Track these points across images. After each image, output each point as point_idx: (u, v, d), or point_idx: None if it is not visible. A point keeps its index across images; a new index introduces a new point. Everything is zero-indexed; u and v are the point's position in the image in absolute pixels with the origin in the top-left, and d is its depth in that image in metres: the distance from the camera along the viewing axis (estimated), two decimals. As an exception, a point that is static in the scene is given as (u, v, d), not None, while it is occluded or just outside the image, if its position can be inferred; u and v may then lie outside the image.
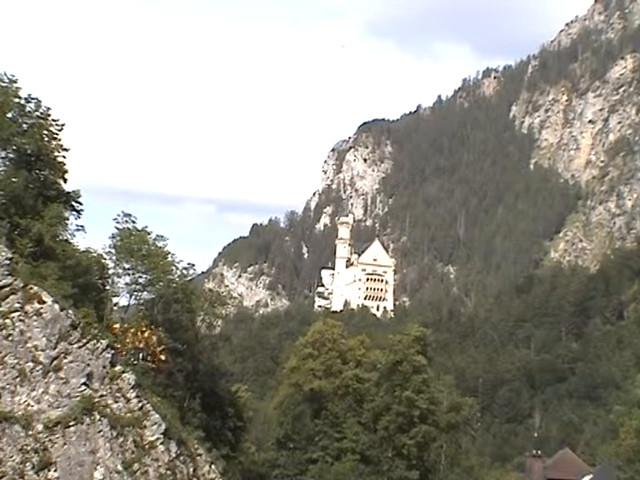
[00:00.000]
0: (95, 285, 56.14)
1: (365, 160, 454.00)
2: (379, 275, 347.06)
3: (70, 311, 44.34)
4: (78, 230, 55.73)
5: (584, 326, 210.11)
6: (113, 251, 59.27)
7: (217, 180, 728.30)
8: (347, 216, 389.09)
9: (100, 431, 41.69)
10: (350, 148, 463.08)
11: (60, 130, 53.63)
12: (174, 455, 44.49)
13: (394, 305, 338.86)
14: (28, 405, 41.22)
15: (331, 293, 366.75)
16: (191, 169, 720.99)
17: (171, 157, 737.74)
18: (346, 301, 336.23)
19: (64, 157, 54.19)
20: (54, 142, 53.36)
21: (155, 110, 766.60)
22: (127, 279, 60.10)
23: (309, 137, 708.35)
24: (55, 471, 40.34)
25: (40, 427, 40.80)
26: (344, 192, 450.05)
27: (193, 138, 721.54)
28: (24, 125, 52.45)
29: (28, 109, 52.61)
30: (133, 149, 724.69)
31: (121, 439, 42.35)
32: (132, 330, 57.44)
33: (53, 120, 53.38)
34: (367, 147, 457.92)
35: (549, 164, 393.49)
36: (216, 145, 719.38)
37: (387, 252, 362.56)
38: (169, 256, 62.79)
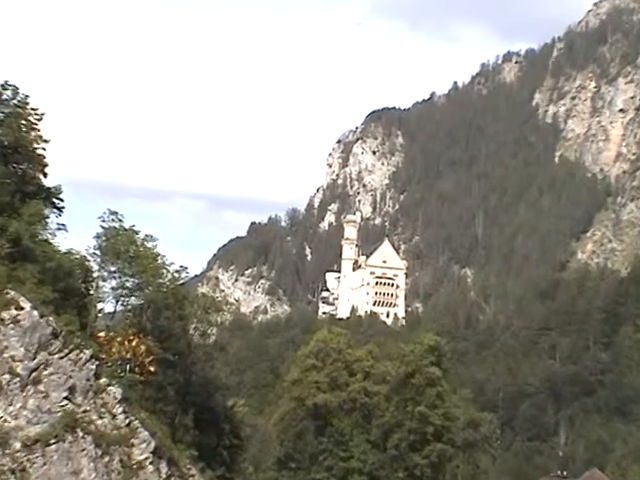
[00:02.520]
0: (78, 290, 56.18)
1: (374, 153, 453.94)
2: (389, 279, 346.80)
3: (51, 318, 44.37)
4: (59, 229, 55.90)
5: (614, 334, 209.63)
6: (98, 252, 59.33)
7: (210, 174, 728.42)
8: (354, 214, 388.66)
9: (83, 449, 41.70)
10: (357, 139, 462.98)
11: (39, 120, 53.68)
12: (164, 476, 44.56)
13: (406, 311, 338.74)
14: (5, 421, 41.23)
15: (336, 298, 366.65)
16: (181, 161, 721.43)
17: (158, 148, 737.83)
18: (353, 307, 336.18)
19: (44, 149, 54.24)
20: (33, 133, 53.41)
21: (140, 97, 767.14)
22: (113, 283, 60.21)
23: (312, 127, 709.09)
24: (34, 493, 40.37)
25: (18, 445, 40.80)
26: (351, 188, 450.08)
27: (183, 127, 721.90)
28: (0, 114, 52.48)
29: (5, 97, 52.67)
30: (117, 140, 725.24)
31: (106, 458, 42.37)
32: (118, 339, 57.49)
33: (32, 109, 53.41)
34: (376, 138, 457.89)
35: (576, 157, 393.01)
36: (209, 135, 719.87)
37: (398, 253, 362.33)
38: (159, 258, 62.89)
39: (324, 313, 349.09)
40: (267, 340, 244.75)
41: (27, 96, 53.14)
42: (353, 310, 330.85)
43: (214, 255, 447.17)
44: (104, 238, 59.46)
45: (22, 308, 43.59)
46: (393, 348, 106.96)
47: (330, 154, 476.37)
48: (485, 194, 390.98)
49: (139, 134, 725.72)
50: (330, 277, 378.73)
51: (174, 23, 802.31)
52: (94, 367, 44.19)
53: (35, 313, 43.68)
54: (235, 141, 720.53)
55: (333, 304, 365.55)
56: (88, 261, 59.18)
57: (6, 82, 52.66)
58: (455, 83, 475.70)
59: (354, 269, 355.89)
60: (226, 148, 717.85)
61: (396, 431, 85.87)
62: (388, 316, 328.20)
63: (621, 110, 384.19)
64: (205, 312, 70.62)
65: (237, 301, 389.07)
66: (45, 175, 55.15)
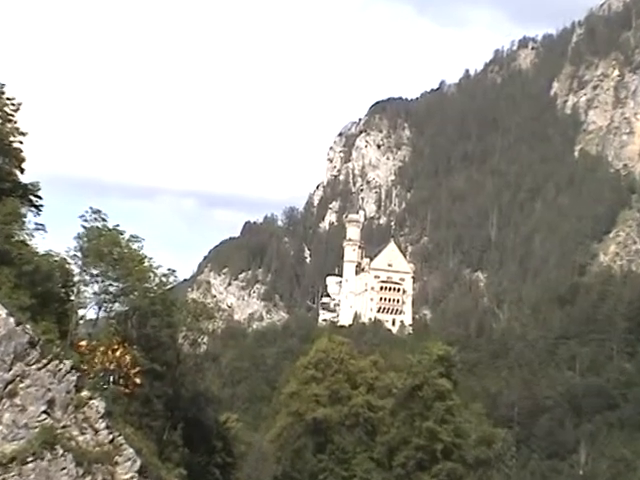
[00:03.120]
0: (57, 295, 56.10)
1: (379, 146, 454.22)
2: (395, 283, 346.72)
3: (28, 326, 44.28)
4: (37, 229, 55.82)
5: (639, 344, 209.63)
6: (79, 254, 59.22)
7: (200, 169, 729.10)
8: (357, 213, 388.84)
9: (63, 468, 41.64)
10: (361, 132, 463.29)
11: (16, 111, 53.57)
12: (151, 497, 44.51)
13: (413, 319, 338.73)
14: (-22, 437, 41.18)
15: (338, 304, 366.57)
16: (168, 156, 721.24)
17: (143, 142, 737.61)
18: (356, 314, 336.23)
19: (21, 143, 54.15)
20: (9, 125, 53.31)
21: (123, 88, 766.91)
22: (95, 287, 60.09)
23: (312, 119, 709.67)
24: (10, 516, 40.34)
25: (-8, 463, 40.74)
26: (353, 184, 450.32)
27: (170, 119, 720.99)
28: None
29: (-23, 86, 52.57)
30: (99, 134, 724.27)
31: (88, 478, 42.30)
32: (101, 348, 57.41)
33: (7, 99, 53.30)
34: (381, 131, 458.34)
35: (597, 151, 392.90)
36: (199, 128, 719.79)
37: (405, 256, 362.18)
38: (145, 260, 62.83)
39: (324, 320, 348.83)
40: (263, 350, 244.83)
41: (3, 85, 53.08)
42: (356, 317, 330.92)
43: (205, 257, 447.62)
44: (86, 239, 59.34)
45: (-3, 315, 43.50)
46: (399, 358, 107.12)
47: (331, 148, 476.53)
48: (499, 191, 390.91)
49: (122, 127, 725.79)
50: (331, 281, 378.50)
51: (160, 12, 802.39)
52: (75, 379, 44.11)
53: (11, 320, 43.59)
54: (228, 134, 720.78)
55: (334, 311, 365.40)
56: (68, 264, 59.09)
57: (-21, 70, 52.65)
58: (467, 71, 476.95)
59: (357, 273, 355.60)
60: (218, 141, 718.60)
61: (402, 448, 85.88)
62: (394, 324, 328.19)
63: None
64: (195, 319, 70.62)
65: (230, 307, 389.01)
66: (22, 171, 55.08)
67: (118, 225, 61.59)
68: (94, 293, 60.15)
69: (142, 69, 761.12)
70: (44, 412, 42.49)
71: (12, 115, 53.37)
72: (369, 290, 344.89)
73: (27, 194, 55.01)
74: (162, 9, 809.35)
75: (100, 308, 61.15)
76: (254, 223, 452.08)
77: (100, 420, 44.13)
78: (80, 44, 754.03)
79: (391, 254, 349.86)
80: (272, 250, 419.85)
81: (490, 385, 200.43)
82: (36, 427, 41.96)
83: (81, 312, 60.31)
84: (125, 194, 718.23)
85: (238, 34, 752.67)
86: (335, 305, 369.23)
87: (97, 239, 59.34)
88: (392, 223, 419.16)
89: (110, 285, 59.99)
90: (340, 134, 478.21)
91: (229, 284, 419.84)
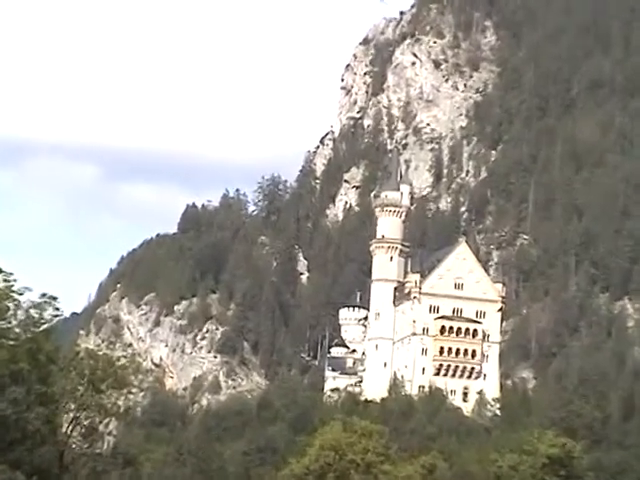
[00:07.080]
0: None
1: (437, 65, 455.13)
2: (469, 321, 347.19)
3: None
4: None
5: None
6: None
7: (106, 113, 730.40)
8: (397, 189, 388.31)
9: None
10: (404, 38, 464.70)
11: None
12: None
13: (501, 388, 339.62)
14: None
15: (361, 361, 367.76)
16: (49, 92, 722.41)
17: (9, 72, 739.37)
18: (394, 379, 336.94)
19: None
20: None
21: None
22: None
23: (310, 18, 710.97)
24: None
25: None
26: (390, 136, 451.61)
27: (52, 36, 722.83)
28: None
29: None
30: None
31: None
32: None
33: None
34: (441, 36, 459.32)
35: None
36: (103, 44, 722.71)
37: (486, 270, 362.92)
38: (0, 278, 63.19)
39: (335, 390, 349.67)
40: (220, 445, 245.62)
41: None
42: (395, 384, 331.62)
43: (111, 272, 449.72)
44: None
45: None
46: (476, 461, 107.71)
47: (348, 67, 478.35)
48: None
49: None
50: (347, 317, 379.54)
51: None
52: None
53: None
54: (155, 52, 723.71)
55: (354, 373, 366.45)
56: None
57: None
58: None
59: (397, 301, 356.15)
60: (136, 64, 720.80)
61: None
62: (466, 397, 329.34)
63: None
64: (93, 388, 70.96)
65: (159, 366, 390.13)
66: None
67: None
68: None
69: None
70: None
71: None
72: (420, 334, 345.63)
73: None
74: None
75: None
76: (203, 208, 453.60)
77: None
78: None
79: (461, 266, 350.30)
80: (238, 259, 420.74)
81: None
82: None
83: None
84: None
85: None
86: (355, 362, 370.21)
87: None
88: (462, 208, 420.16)
89: None
90: (366, 41, 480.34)
91: (156, 323, 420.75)
